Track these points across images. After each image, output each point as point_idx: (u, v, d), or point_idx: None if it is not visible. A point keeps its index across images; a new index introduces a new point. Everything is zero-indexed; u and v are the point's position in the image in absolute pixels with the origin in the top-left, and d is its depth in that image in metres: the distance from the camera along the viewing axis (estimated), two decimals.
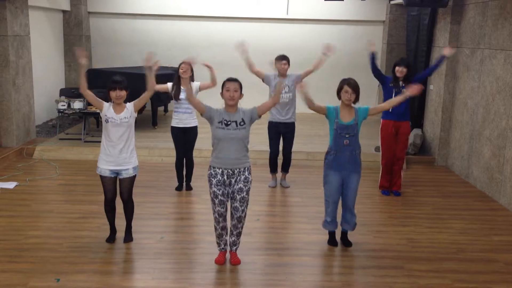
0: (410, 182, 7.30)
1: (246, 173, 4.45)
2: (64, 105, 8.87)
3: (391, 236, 5.42)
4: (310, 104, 4.74)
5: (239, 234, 4.63)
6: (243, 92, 4.42)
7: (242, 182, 4.42)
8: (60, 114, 9.12)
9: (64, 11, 11.11)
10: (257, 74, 6.64)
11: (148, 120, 9.87)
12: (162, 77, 8.94)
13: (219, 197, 4.43)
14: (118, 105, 4.74)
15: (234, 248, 4.68)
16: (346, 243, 5.11)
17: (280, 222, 5.78)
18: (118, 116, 4.71)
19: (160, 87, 6.37)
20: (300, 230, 5.50)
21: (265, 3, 11.41)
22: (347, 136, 4.79)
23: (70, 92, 9.47)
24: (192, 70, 6.37)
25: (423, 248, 5.12)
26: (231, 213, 4.54)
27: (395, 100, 5.10)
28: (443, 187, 7.24)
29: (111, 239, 5.04)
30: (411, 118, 6.80)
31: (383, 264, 4.74)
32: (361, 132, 4.97)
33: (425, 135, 8.82)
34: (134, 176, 4.90)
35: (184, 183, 6.75)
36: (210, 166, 4.47)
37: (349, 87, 4.75)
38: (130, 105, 4.78)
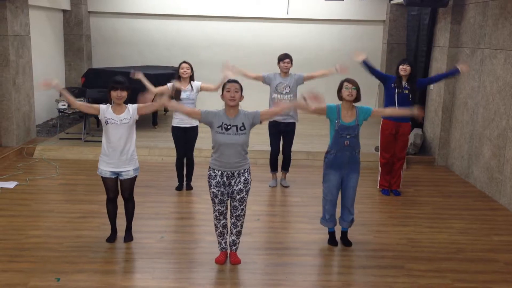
0: (410, 182, 7.30)
1: (246, 174, 4.45)
2: (65, 105, 8.88)
3: (391, 236, 5.42)
4: (308, 110, 4.72)
5: (238, 233, 4.64)
6: (243, 94, 4.42)
7: (242, 184, 4.42)
8: (60, 113, 9.13)
9: (64, 11, 11.11)
10: (256, 79, 6.69)
11: (148, 120, 9.87)
12: (162, 77, 8.96)
13: (219, 196, 4.45)
14: (118, 106, 4.73)
15: (234, 248, 4.68)
16: (346, 242, 5.11)
17: (280, 222, 5.78)
18: (118, 117, 4.70)
19: (160, 89, 6.37)
20: (300, 230, 5.50)
21: (265, 3, 11.41)
22: (348, 136, 4.78)
23: (70, 92, 9.43)
24: (192, 70, 6.38)
25: (423, 248, 5.12)
26: (231, 212, 4.56)
27: (400, 112, 5.12)
28: (443, 187, 7.24)
29: (112, 238, 5.04)
30: (411, 118, 6.81)
31: (383, 263, 4.75)
32: (361, 132, 4.97)
33: (425, 135, 8.83)
34: (135, 177, 4.90)
35: (185, 183, 6.76)
36: (210, 167, 4.48)
37: (349, 82, 4.74)
38: (133, 108, 4.76)
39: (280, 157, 6.94)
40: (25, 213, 5.77)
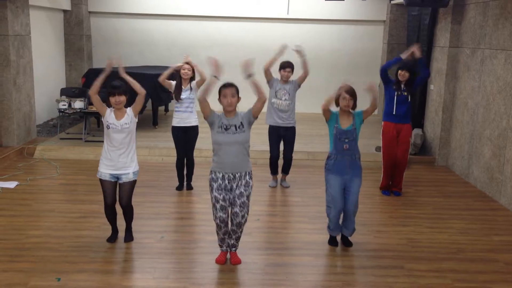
0: (410, 182, 7.30)
1: (247, 177, 4.44)
2: (65, 105, 8.88)
3: (391, 236, 5.42)
4: (329, 105, 4.84)
5: (238, 238, 4.66)
6: (240, 95, 4.39)
7: (243, 187, 4.41)
8: (60, 113, 9.13)
9: (65, 11, 11.12)
10: (267, 73, 6.56)
11: (148, 120, 9.87)
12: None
13: (220, 202, 4.41)
14: (118, 111, 4.72)
15: (234, 249, 4.69)
16: (347, 243, 5.11)
17: (280, 222, 5.78)
18: (119, 122, 4.69)
19: (168, 82, 6.35)
20: (301, 230, 5.51)
21: (266, 3, 11.42)
22: (346, 140, 4.86)
23: (70, 92, 9.47)
24: (193, 71, 6.38)
25: (423, 248, 5.12)
26: (231, 219, 4.52)
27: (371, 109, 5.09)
28: (443, 187, 7.25)
29: (112, 238, 5.05)
30: (411, 118, 6.83)
31: (383, 264, 4.75)
32: (361, 132, 4.99)
33: (426, 135, 8.83)
34: (134, 181, 4.87)
35: (185, 183, 6.76)
36: (211, 171, 4.47)
37: (347, 93, 4.85)
38: (129, 110, 4.76)
39: (280, 160, 6.93)
40: (25, 213, 5.78)
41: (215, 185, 4.41)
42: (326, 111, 4.87)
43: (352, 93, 4.85)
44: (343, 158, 4.87)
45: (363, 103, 5.07)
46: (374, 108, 5.02)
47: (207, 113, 4.37)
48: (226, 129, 4.33)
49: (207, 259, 4.70)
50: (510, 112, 6.45)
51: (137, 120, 4.82)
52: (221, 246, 4.68)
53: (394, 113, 6.52)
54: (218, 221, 4.47)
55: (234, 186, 4.41)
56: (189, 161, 6.65)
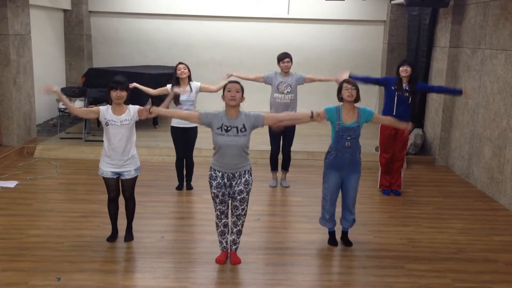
0: (410, 182, 7.31)
1: (247, 175, 4.45)
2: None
3: (391, 236, 5.42)
4: (321, 120, 4.74)
5: (239, 232, 4.65)
6: (244, 95, 4.40)
7: (243, 185, 4.42)
8: (61, 113, 9.13)
9: (65, 10, 11.12)
10: (256, 80, 6.71)
11: (148, 120, 9.87)
12: (162, 77, 8.97)
13: (220, 197, 4.46)
14: (118, 106, 4.71)
15: (234, 247, 4.69)
16: (347, 242, 5.11)
17: (280, 222, 5.78)
18: (119, 118, 4.69)
19: (159, 91, 6.42)
20: (301, 230, 5.51)
21: (266, 3, 11.41)
22: (348, 138, 4.79)
23: (70, 91, 9.45)
24: (189, 70, 6.37)
25: (423, 248, 5.12)
26: (231, 211, 4.57)
27: (397, 124, 5.20)
28: (443, 187, 7.25)
29: (112, 238, 5.05)
30: (411, 118, 6.81)
31: (383, 263, 4.75)
32: (361, 132, 4.96)
33: (426, 135, 8.83)
34: (136, 177, 4.92)
35: (185, 183, 6.76)
36: (210, 168, 4.48)
37: (348, 83, 4.77)
38: (134, 109, 4.75)
39: (280, 157, 6.94)
40: (25, 213, 5.78)
41: (214, 183, 4.43)
42: (322, 119, 4.76)
43: (353, 82, 4.79)
44: (343, 155, 4.82)
45: (363, 102, 5.05)
46: (390, 124, 5.16)
47: (195, 121, 4.45)
48: (227, 130, 4.30)
49: (207, 259, 4.70)
50: (510, 112, 6.45)
51: (137, 119, 4.82)
52: (221, 243, 4.69)
53: (393, 113, 6.42)
54: (218, 212, 4.54)
55: (234, 183, 4.43)
56: (188, 161, 6.65)
